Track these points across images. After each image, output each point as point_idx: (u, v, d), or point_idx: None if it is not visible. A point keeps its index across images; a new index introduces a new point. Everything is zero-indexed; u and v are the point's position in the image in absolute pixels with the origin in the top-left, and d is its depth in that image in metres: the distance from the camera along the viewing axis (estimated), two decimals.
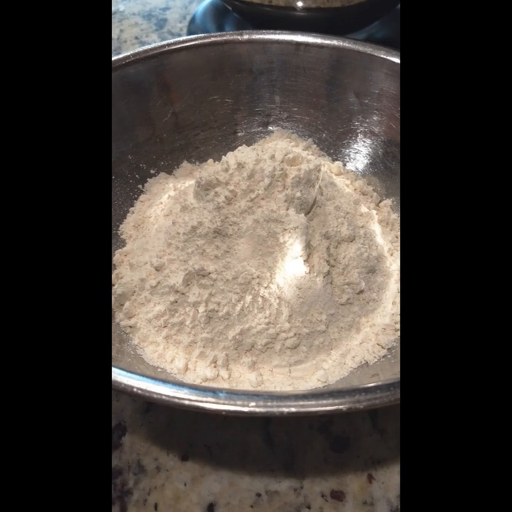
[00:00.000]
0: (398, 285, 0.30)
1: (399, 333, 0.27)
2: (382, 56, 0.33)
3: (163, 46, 0.35)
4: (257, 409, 0.19)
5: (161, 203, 0.34)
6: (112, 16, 0.58)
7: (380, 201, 0.35)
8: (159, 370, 0.26)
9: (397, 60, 0.33)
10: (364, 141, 0.36)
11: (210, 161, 0.37)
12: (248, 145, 0.36)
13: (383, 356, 0.27)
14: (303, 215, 0.27)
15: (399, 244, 0.32)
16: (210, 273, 0.27)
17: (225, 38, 0.35)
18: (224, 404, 0.19)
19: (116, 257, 0.31)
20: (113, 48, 0.54)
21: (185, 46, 0.35)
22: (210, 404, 0.19)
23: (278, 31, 0.35)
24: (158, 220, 0.33)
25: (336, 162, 0.37)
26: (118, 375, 0.19)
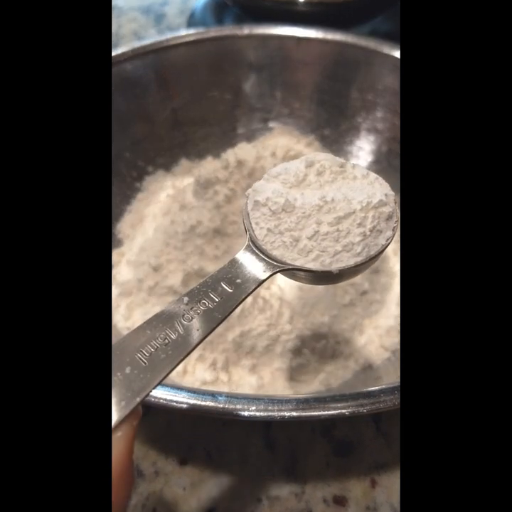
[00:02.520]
0: None
1: None
2: (385, 51, 0.33)
3: (162, 42, 0.34)
4: (258, 413, 0.18)
5: (159, 201, 0.34)
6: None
7: None
8: None
9: None
10: (367, 138, 0.35)
11: (210, 158, 0.36)
12: (248, 142, 0.35)
13: (387, 359, 0.26)
14: None
15: None
16: (209, 273, 0.26)
17: (224, 32, 0.35)
18: (224, 408, 0.18)
19: (114, 257, 0.31)
20: (111, 43, 0.53)
21: (184, 41, 0.34)
22: (210, 407, 0.18)
23: (279, 25, 0.34)
24: (156, 219, 0.32)
25: None
26: None
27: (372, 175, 0.16)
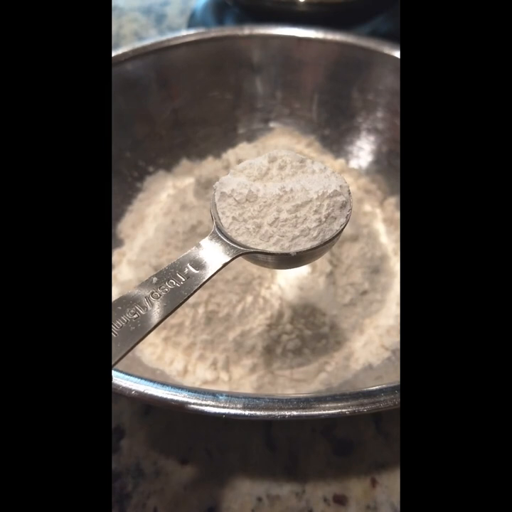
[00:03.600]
0: None
1: None
2: (385, 51, 0.33)
3: (163, 42, 0.34)
4: (258, 413, 0.18)
5: (160, 201, 0.34)
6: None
7: (384, 199, 0.34)
8: (158, 372, 0.26)
9: None
10: (368, 138, 0.35)
11: (210, 158, 0.36)
12: (249, 142, 0.36)
13: (387, 358, 0.26)
14: None
15: None
16: None
17: (225, 32, 0.35)
18: (224, 407, 0.18)
19: (115, 256, 0.31)
20: (111, 43, 0.53)
21: (185, 42, 0.34)
22: (210, 407, 0.18)
23: (279, 26, 0.34)
24: (157, 219, 0.32)
25: (339, 159, 0.36)
26: (116, 378, 0.19)
27: (329, 169, 0.17)
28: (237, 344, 0.26)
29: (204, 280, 0.15)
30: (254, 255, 0.16)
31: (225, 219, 0.16)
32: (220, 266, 0.15)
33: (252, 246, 0.16)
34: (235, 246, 0.16)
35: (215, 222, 0.16)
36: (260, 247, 0.16)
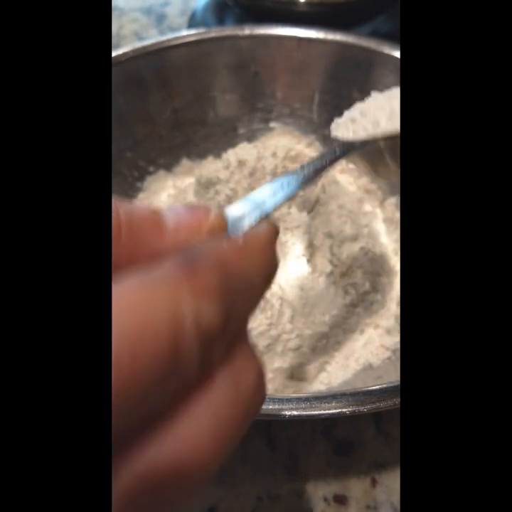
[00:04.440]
0: None
1: None
2: (386, 52, 0.33)
3: (163, 42, 0.34)
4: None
5: (161, 201, 0.34)
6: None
7: (384, 200, 0.34)
8: None
9: None
10: None
11: (211, 158, 0.36)
12: (249, 142, 0.36)
13: (387, 358, 0.26)
14: (305, 213, 0.27)
15: None
16: None
17: (225, 32, 0.35)
18: None
19: None
20: (112, 43, 0.53)
21: (185, 42, 0.34)
22: None
23: (280, 26, 0.34)
24: None
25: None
26: None
27: None
28: None
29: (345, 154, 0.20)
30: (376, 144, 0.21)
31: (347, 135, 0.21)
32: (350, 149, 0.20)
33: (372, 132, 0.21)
34: (360, 136, 0.21)
35: (341, 142, 0.21)
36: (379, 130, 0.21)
